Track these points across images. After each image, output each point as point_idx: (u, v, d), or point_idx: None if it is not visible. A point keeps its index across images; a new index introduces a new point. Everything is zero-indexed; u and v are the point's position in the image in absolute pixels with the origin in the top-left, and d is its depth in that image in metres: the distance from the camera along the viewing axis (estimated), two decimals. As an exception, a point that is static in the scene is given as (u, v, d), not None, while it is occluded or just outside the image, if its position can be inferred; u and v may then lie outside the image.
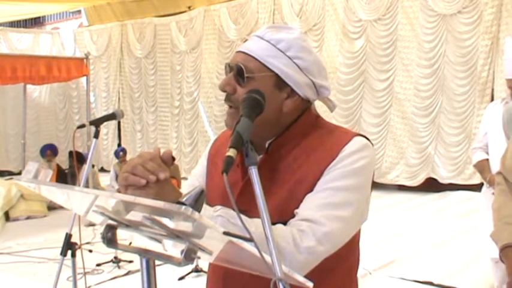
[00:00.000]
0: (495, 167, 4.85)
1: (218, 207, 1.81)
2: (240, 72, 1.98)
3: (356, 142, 1.98)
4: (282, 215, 1.89)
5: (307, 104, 2.10)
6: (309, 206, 1.88)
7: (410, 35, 13.49)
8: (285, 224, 1.87)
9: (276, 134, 2.04)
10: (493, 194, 4.81)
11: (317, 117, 2.14)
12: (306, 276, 1.59)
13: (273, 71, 1.99)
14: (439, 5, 12.85)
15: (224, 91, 2.01)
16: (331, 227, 1.85)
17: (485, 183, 5.14)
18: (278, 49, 1.99)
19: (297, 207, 1.90)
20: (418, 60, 13.35)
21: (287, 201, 1.92)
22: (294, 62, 2.00)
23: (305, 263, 1.82)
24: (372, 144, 2.06)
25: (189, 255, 1.48)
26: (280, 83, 2.00)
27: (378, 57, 13.90)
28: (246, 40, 2.11)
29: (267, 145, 2.04)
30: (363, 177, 1.96)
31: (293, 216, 1.89)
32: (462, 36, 12.71)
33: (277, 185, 1.97)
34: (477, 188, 6.24)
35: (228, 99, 2.01)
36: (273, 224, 1.74)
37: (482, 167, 5.26)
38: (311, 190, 1.91)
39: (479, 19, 12.47)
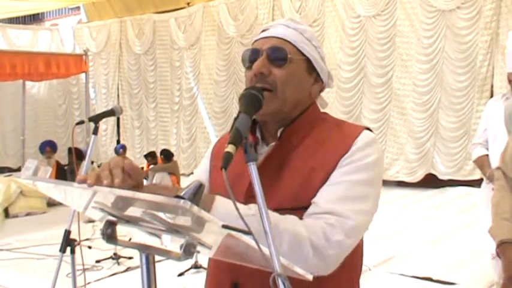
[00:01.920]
0: (495, 162, 4.84)
1: (252, 205, 1.79)
2: (281, 53, 2.04)
3: (367, 136, 2.02)
4: (297, 201, 1.92)
5: (320, 92, 2.20)
6: (330, 198, 1.90)
7: (409, 31, 13.50)
8: (299, 210, 1.89)
9: (289, 122, 2.08)
10: (492, 189, 4.82)
11: (320, 109, 2.20)
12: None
13: (305, 56, 2.08)
14: (438, 0, 12.85)
15: (260, 73, 2.02)
16: (357, 220, 1.89)
17: (484, 178, 5.14)
18: (305, 37, 2.11)
19: (312, 195, 1.92)
20: (416, 55, 13.35)
21: (302, 189, 1.94)
22: (318, 51, 2.13)
23: (336, 256, 1.85)
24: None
25: (188, 250, 1.48)
26: (310, 68, 2.11)
27: (376, 52, 13.91)
28: (264, 30, 2.17)
29: (279, 133, 2.07)
30: (376, 171, 2.01)
31: (308, 203, 1.91)
32: (461, 32, 12.72)
33: (290, 172, 1.99)
34: (477, 183, 6.25)
35: (263, 81, 2.02)
36: (287, 210, 1.85)
37: (482, 162, 5.26)
38: (326, 178, 1.93)
39: (478, 15, 12.47)
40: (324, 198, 1.91)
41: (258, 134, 2.13)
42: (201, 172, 2.35)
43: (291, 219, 1.82)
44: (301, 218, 1.87)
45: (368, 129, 2.08)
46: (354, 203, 1.91)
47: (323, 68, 2.14)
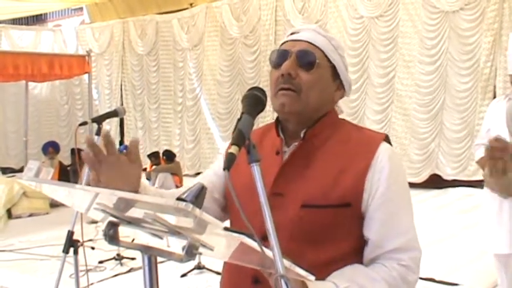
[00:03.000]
0: (498, 163, 4.83)
1: (345, 284, 1.89)
2: (311, 57, 2.10)
3: (388, 145, 2.12)
4: (325, 199, 1.99)
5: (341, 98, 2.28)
6: (389, 234, 2.02)
7: (411, 32, 13.49)
8: (326, 208, 1.99)
9: (311, 124, 2.14)
10: (495, 190, 4.81)
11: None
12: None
13: (332, 63, 2.16)
14: (441, 1, 12.85)
15: (288, 74, 2.08)
16: (419, 247, 2.07)
17: (487, 179, 5.13)
18: (333, 45, 2.18)
19: (340, 195, 2.00)
20: (419, 56, 13.35)
21: (332, 188, 2.00)
22: (342, 60, 2.21)
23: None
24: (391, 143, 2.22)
25: (190, 251, 1.48)
26: (335, 75, 2.18)
27: (379, 53, 13.91)
28: (293, 33, 2.23)
29: (302, 133, 2.13)
30: (407, 186, 2.17)
31: (335, 202, 1.99)
32: (465, 33, 12.71)
33: (318, 171, 2.06)
34: (479, 184, 6.24)
35: (289, 82, 2.08)
36: (315, 207, 1.97)
37: (484, 163, 5.25)
38: (356, 179, 2.01)
39: (481, 16, 12.47)
40: (382, 234, 2.02)
41: (282, 135, 2.18)
42: (212, 173, 2.38)
43: (375, 280, 1.93)
44: (327, 216, 1.98)
45: (387, 137, 2.18)
46: (410, 231, 2.07)
47: (346, 77, 2.21)
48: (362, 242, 2.05)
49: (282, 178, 2.06)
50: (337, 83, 2.19)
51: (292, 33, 2.23)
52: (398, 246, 2.00)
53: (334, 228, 1.99)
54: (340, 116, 2.26)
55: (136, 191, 1.97)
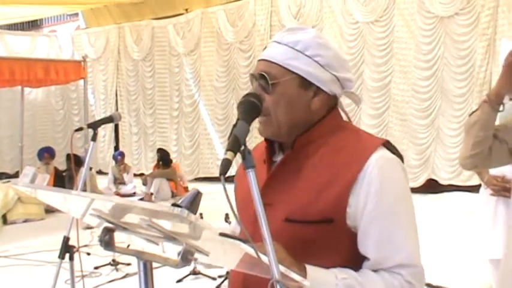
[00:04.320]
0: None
1: (343, 275, 1.88)
2: (264, 80, 2.01)
3: (382, 153, 2.02)
4: (306, 215, 1.93)
5: (334, 100, 2.14)
6: (387, 250, 1.94)
7: (407, 37, 13.52)
8: (306, 224, 1.93)
9: (302, 131, 2.06)
10: (490, 194, 4.82)
11: (342, 117, 2.20)
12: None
13: (295, 73, 2.01)
14: (436, 7, 12.87)
15: None
16: (420, 263, 2.04)
17: (483, 184, 5.14)
18: (297, 50, 2.02)
19: (322, 210, 1.92)
20: (416, 62, 13.37)
21: (313, 203, 1.94)
22: (314, 60, 2.03)
23: None
24: (397, 152, 2.12)
25: (186, 257, 1.48)
26: (304, 83, 2.03)
27: (374, 58, 13.92)
28: (265, 47, 2.14)
29: (292, 141, 2.06)
30: (405, 197, 2.04)
31: (317, 218, 1.92)
32: (460, 38, 12.74)
33: (303, 184, 1.99)
34: (475, 189, 6.25)
35: None
36: (296, 222, 1.92)
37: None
38: (339, 195, 1.92)
39: (476, 21, 12.49)
40: (379, 250, 1.94)
41: (276, 143, 2.14)
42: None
43: (376, 281, 1.91)
44: (309, 232, 1.93)
45: (388, 143, 2.10)
46: (412, 241, 2.03)
47: (323, 78, 2.05)
48: (354, 257, 1.97)
49: (270, 188, 2.01)
50: (312, 89, 2.04)
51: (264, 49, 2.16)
52: (397, 263, 1.94)
53: (319, 243, 1.93)
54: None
55: None
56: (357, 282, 1.87)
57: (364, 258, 1.97)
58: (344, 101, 2.26)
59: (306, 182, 1.98)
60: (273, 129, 2.03)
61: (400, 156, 2.11)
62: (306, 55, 2.02)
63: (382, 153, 2.01)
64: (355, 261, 1.96)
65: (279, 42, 2.06)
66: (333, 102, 2.13)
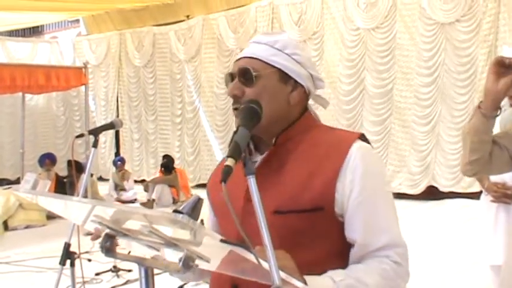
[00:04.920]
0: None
1: (340, 277, 1.91)
2: (247, 73, 2.11)
3: (361, 144, 2.10)
4: (295, 204, 2.00)
5: (307, 99, 2.24)
6: (373, 233, 2.02)
7: (408, 44, 13.52)
8: (297, 213, 1.99)
9: (283, 128, 2.14)
10: (491, 201, 4.82)
11: (314, 118, 2.27)
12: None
13: (275, 67, 2.12)
14: (437, 13, 12.88)
15: (233, 96, 2.14)
16: (404, 243, 2.09)
17: (483, 190, 5.14)
18: (276, 48, 2.15)
19: (311, 199, 1.99)
20: (417, 68, 13.36)
21: (302, 192, 2.00)
22: (292, 58, 2.15)
23: (406, 282, 2.06)
24: (369, 142, 2.19)
25: (187, 263, 1.49)
26: (284, 77, 2.14)
27: (376, 65, 13.92)
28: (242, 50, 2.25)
29: (273, 140, 2.13)
30: (385, 182, 2.18)
31: (306, 207, 1.99)
32: (461, 45, 12.73)
33: (289, 176, 2.06)
34: (476, 196, 6.25)
35: (237, 102, 2.12)
36: (286, 212, 1.97)
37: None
38: (326, 182, 2.00)
39: (477, 27, 12.49)
40: (366, 234, 2.02)
41: (252, 146, 2.18)
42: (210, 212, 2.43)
43: (370, 273, 1.95)
44: (300, 221, 1.99)
45: (362, 135, 2.16)
46: (393, 221, 2.11)
47: (300, 73, 2.16)
48: (342, 246, 2.05)
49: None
50: (290, 84, 2.15)
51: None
52: (383, 244, 2.01)
53: (309, 232, 2.00)
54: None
55: None
56: (355, 281, 1.92)
57: (350, 247, 2.05)
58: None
59: (291, 175, 2.05)
60: None
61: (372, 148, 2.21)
62: (285, 53, 2.15)
63: (361, 143, 2.10)
64: (342, 250, 2.05)
65: (258, 42, 2.18)
66: (306, 102, 2.23)
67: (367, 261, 2.00)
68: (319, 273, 1.92)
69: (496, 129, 4.79)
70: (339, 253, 2.05)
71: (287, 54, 2.15)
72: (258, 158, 2.14)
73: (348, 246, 2.04)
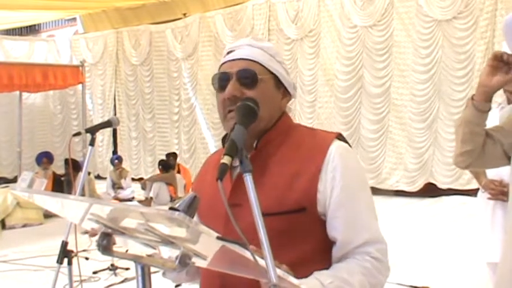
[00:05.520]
0: (490, 171, 4.85)
1: (328, 280, 1.94)
2: (251, 75, 2.12)
3: (339, 143, 2.14)
4: (281, 206, 2.02)
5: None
6: (354, 230, 2.06)
7: (406, 41, 13.52)
8: (283, 215, 2.01)
9: (262, 133, 2.16)
10: (488, 198, 4.82)
11: (291, 119, 2.31)
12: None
13: (273, 73, 2.17)
14: (434, 11, 12.88)
15: (233, 97, 2.11)
16: (384, 239, 2.13)
17: (480, 187, 5.14)
18: (270, 54, 2.19)
19: (295, 199, 2.03)
20: (414, 66, 13.37)
21: (285, 194, 2.03)
22: (283, 66, 2.23)
23: (387, 277, 2.12)
24: (348, 143, 2.24)
25: (183, 261, 1.49)
26: (278, 84, 2.20)
27: (373, 63, 13.92)
28: (229, 52, 2.24)
29: (255, 144, 2.15)
30: (364, 180, 2.22)
31: (291, 208, 2.02)
32: (458, 42, 12.74)
33: (271, 179, 2.08)
34: (474, 193, 6.26)
35: (236, 103, 2.07)
36: (273, 215, 1.94)
37: (477, 171, 5.26)
38: (308, 183, 2.04)
39: (475, 25, 12.50)
40: (348, 231, 2.06)
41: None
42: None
43: (353, 273, 2.00)
44: (283, 223, 2.01)
45: (340, 135, 2.21)
46: (372, 220, 2.12)
47: (289, 82, 2.23)
48: (325, 245, 2.09)
49: (238, 189, 2.03)
50: (281, 90, 2.21)
51: (229, 53, 2.24)
52: (364, 240, 2.04)
53: (292, 233, 2.02)
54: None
55: None
56: (343, 282, 1.96)
57: (332, 245, 2.10)
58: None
59: (273, 177, 2.08)
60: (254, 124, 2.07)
61: (350, 146, 2.25)
62: (277, 60, 2.21)
63: (339, 143, 2.14)
64: (325, 248, 2.09)
65: (253, 46, 2.19)
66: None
67: (348, 259, 2.05)
68: (305, 273, 1.94)
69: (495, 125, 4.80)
70: (323, 251, 2.09)
71: (278, 61, 2.21)
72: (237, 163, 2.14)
73: (330, 244, 2.09)
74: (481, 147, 3.02)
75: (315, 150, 2.10)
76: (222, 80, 2.17)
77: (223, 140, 2.21)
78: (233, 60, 2.18)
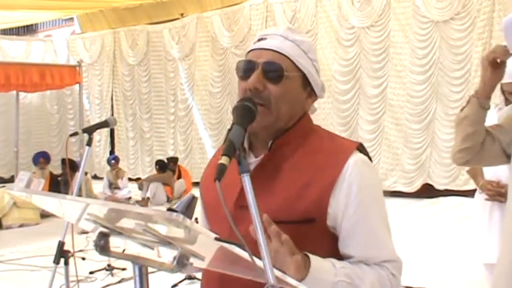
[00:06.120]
0: (488, 172, 4.85)
1: (337, 263, 1.91)
2: (277, 70, 1.99)
3: (358, 157, 2.02)
4: (289, 215, 1.93)
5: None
6: (371, 250, 2.00)
7: (403, 42, 13.54)
8: (288, 224, 1.90)
9: (280, 133, 2.05)
10: (485, 199, 4.82)
11: (312, 120, 2.18)
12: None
13: (301, 71, 2.04)
14: (431, 11, 12.90)
15: (254, 89, 1.98)
16: (399, 257, 2.08)
17: (478, 188, 5.15)
18: (302, 50, 2.05)
19: (304, 210, 1.93)
20: (411, 66, 13.39)
21: (295, 202, 1.94)
22: (313, 64, 2.09)
23: None
24: (368, 155, 2.11)
25: (181, 262, 1.48)
26: (305, 83, 2.07)
27: (371, 63, 13.93)
28: (261, 39, 2.10)
29: (269, 144, 2.05)
30: (381, 198, 2.09)
31: (299, 218, 1.93)
32: (456, 43, 12.76)
33: (283, 184, 1.99)
34: (471, 194, 6.26)
35: (257, 96, 1.97)
36: (278, 223, 1.82)
37: (475, 172, 5.26)
38: (320, 195, 1.94)
39: (472, 25, 12.52)
40: (364, 250, 1.98)
41: (246, 145, 2.09)
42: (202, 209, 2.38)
43: (367, 273, 1.94)
44: (290, 232, 1.86)
45: (361, 146, 2.09)
46: (388, 241, 2.07)
47: (317, 82, 2.11)
48: (334, 257, 1.96)
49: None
50: (307, 90, 2.09)
51: (260, 39, 2.10)
52: (382, 260, 1.99)
53: (300, 243, 1.87)
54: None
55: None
56: (355, 274, 1.91)
57: (341, 258, 2.00)
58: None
59: (285, 183, 1.99)
60: (270, 120, 2.00)
61: (371, 159, 2.13)
62: (308, 57, 2.07)
63: (358, 156, 2.03)
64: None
65: (286, 38, 2.05)
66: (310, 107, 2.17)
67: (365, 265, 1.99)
68: None
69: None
70: None
71: (310, 58, 2.07)
72: (252, 160, 2.06)
73: (340, 257, 1.99)
74: (480, 144, 3.03)
75: (332, 160, 1.99)
76: (246, 69, 2.03)
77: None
78: (262, 49, 2.05)
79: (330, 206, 1.94)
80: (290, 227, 1.89)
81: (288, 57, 2.01)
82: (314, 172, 1.98)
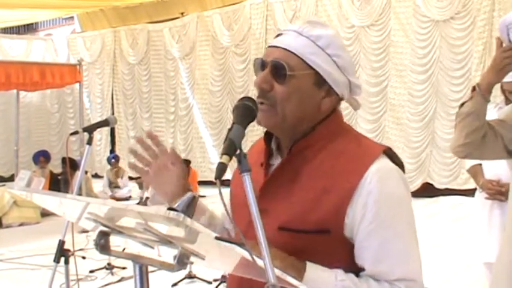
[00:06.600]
0: (488, 171, 4.85)
1: (340, 276, 1.84)
2: (281, 69, 1.92)
3: (382, 163, 1.93)
4: (303, 224, 1.87)
5: (339, 103, 2.08)
6: (385, 263, 1.87)
7: (403, 41, 13.53)
8: (302, 233, 1.86)
9: (300, 136, 1.98)
10: (485, 198, 4.82)
11: (343, 119, 2.13)
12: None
13: (313, 69, 1.94)
14: (431, 11, 12.89)
15: (261, 89, 1.94)
16: (420, 280, 2.01)
17: (478, 187, 5.15)
18: (318, 46, 1.95)
19: (320, 219, 1.85)
20: (411, 66, 13.38)
21: (310, 211, 1.87)
22: (333, 60, 1.96)
23: None
24: (398, 160, 2.03)
25: (181, 261, 1.48)
26: (320, 81, 1.95)
27: (371, 62, 13.92)
28: (278, 35, 2.04)
29: (290, 146, 1.99)
30: (405, 208, 1.96)
31: (313, 228, 1.85)
32: (456, 42, 12.75)
33: (301, 189, 1.92)
34: (471, 193, 6.25)
35: (263, 96, 1.94)
36: (292, 231, 1.84)
37: (475, 171, 5.26)
38: (337, 205, 1.85)
39: (472, 25, 12.51)
40: (376, 264, 1.87)
41: (273, 146, 2.06)
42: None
43: (369, 285, 1.85)
44: (304, 242, 1.85)
45: (389, 150, 2.02)
46: (408, 258, 1.95)
47: (338, 80, 1.98)
48: (351, 266, 1.89)
49: (267, 193, 1.94)
50: (324, 89, 1.96)
51: (277, 36, 2.03)
52: (396, 277, 1.87)
53: (313, 254, 1.85)
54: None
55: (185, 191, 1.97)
56: (354, 285, 1.83)
57: (361, 268, 1.91)
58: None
59: (303, 189, 1.91)
60: (276, 121, 1.94)
61: (401, 164, 2.02)
62: (327, 53, 1.95)
63: (383, 162, 1.93)
64: (351, 270, 1.89)
65: (300, 33, 1.97)
66: (337, 106, 2.07)
67: (381, 281, 1.87)
68: None
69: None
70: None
71: (328, 54, 1.95)
72: (277, 162, 2.02)
73: (358, 267, 1.90)
74: (481, 138, 3.04)
75: (354, 165, 1.89)
76: (258, 66, 1.98)
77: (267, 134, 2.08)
78: (273, 46, 1.98)
79: (347, 216, 1.85)
80: (303, 236, 1.86)
81: (297, 55, 1.93)
82: (334, 177, 1.89)
